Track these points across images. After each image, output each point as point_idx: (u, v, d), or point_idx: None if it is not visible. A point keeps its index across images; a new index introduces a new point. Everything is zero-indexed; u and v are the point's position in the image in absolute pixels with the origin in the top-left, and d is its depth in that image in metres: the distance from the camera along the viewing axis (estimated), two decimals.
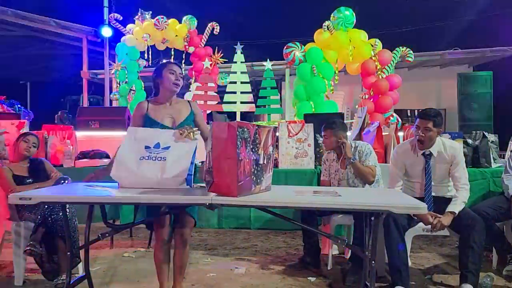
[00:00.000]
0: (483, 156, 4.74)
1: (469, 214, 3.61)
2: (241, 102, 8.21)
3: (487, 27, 12.78)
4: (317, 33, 8.00)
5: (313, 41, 8.08)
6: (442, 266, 4.29)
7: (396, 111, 8.76)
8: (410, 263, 4.18)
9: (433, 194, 3.78)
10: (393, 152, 4.09)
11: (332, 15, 7.95)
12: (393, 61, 8.11)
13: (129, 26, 10.11)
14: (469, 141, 4.85)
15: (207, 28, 10.02)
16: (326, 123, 4.26)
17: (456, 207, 3.60)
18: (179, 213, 3.19)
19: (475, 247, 3.45)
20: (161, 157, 2.93)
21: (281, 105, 8.80)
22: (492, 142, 4.94)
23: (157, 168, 2.90)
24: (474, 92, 8.43)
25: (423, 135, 3.71)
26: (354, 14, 8.01)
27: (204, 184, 2.77)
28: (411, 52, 8.31)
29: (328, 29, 7.85)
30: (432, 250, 4.76)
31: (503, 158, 5.19)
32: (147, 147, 2.95)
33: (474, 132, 5.02)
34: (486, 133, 4.92)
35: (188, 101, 3.41)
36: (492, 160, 4.77)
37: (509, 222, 4.01)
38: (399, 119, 8.07)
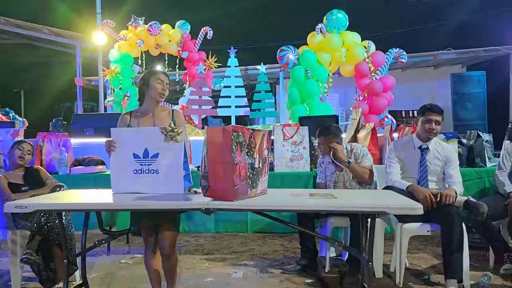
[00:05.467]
0: (478, 155, 4.76)
1: (451, 210, 3.62)
2: (236, 106, 8.22)
3: (480, 27, 12.86)
4: (310, 36, 8.02)
5: (306, 44, 8.10)
6: (439, 266, 4.28)
7: (390, 112, 8.79)
8: (407, 264, 4.21)
9: (433, 187, 3.85)
10: (389, 146, 4.15)
11: (324, 17, 7.98)
12: (386, 62, 8.14)
13: (123, 32, 10.11)
14: (464, 141, 4.87)
15: (200, 32, 10.04)
16: (319, 130, 4.27)
17: (457, 187, 3.73)
18: (159, 224, 3.10)
19: (455, 241, 3.47)
20: (153, 170, 2.94)
21: (276, 108, 8.82)
22: (486, 141, 4.96)
23: (152, 182, 2.93)
24: (467, 92, 8.48)
25: (435, 127, 3.85)
26: (346, 16, 8.04)
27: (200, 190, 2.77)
28: (404, 53, 8.35)
29: (321, 31, 7.88)
30: (429, 251, 4.76)
31: (498, 157, 5.21)
32: (136, 156, 2.95)
33: (468, 132, 5.04)
34: (480, 133, 4.95)
35: (172, 110, 3.40)
36: (487, 160, 4.80)
37: (505, 221, 4.02)
38: (394, 120, 8.10)
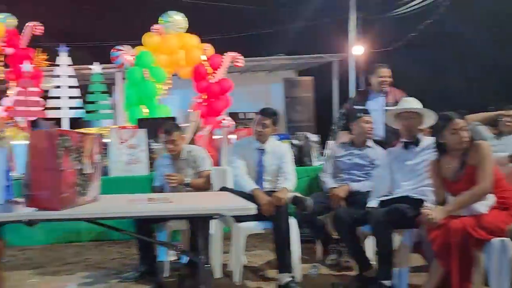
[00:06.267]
0: (306, 155, 5.13)
1: (280, 208, 3.81)
2: (70, 108, 7.74)
3: (310, 35, 13.84)
4: (146, 37, 7.85)
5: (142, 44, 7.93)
6: (274, 261, 4.50)
7: (229, 114, 9.02)
8: (246, 262, 4.35)
9: (270, 186, 4.06)
10: (230, 147, 4.31)
11: (160, 18, 7.90)
12: (224, 65, 8.31)
13: None
14: (294, 141, 5.21)
15: (28, 27, 9.20)
16: (165, 128, 4.24)
17: (289, 182, 3.97)
18: None
19: (284, 237, 3.70)
20: None
21: (113, 109, 8.49)
22: (314, 142, 5.35)
23: None
24: (298, 95, 9.10)
25: (263, 130, 4.06)
26: (185, 18, 8.05)
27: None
28: (242, 57, 8.62)
29: (158, 32, 7.77)
30: (265, 247, 4.97)
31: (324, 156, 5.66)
32: None
33: (298, 133, 5.41)
34: (308, 134, 5.34)
35: None
36: (314, 159, 5.18)
37: (330, 215, 4.36)
38: (232, 122, 8.31)
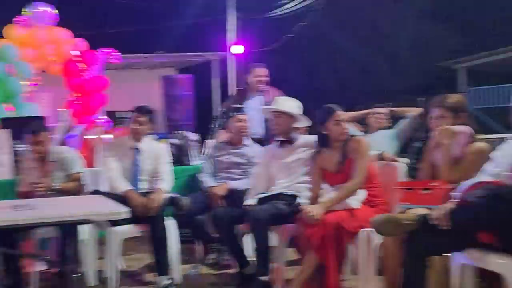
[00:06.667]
0: (185, 154, 5.07)
1: (157, 209, 3.77)
2: None
3: (191, 33, 13.76)
4: (8, 29, 7.23)
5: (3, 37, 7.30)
6: (153, 264, 4.38)
7: (107, 113, 8.65)
8: (124, 266, 4.18)
9: (145, 187, 3.99)
10: (104, 147, 4.23)
11: (23, 9, 7.33)
12: (99, 62, 7.94)
13: None
14: (173, 140, 5.13)
15: None
16: (31, 128, 3.96)
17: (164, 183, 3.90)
18: None
19: (160, 239, 3.68)
20: None
21: None
22: (193, 141, 5.30)
23: None
24: (177, 94, 8.98)
25: (137, 128, 4.02)
26: (55, 11, 7.55)
27: None
28: (118, 53, 8.29)
29: (22, 24, 7.19)
30: (143, 250, 4.82)
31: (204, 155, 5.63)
32: None
33: (177, 132, 5.34)
34: (187, 133, 5.28)
35: None
36: (193, 158, 5.13)
37: (209, 214, 4.34)
38: (109, 121, 7.98)
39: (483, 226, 2.51)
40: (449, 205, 2.58)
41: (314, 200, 3.52)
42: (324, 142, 3.53)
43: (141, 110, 4.05)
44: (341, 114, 3.49)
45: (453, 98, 3.27)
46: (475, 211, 2.47)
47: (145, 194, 3.81)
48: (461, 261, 2.74)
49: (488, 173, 2.75)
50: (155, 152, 4.08)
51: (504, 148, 2.85)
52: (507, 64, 13.12)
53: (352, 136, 3.55)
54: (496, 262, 2.53)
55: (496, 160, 2.81)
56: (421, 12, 15.40)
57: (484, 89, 14.11)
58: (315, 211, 3.25)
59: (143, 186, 3.97)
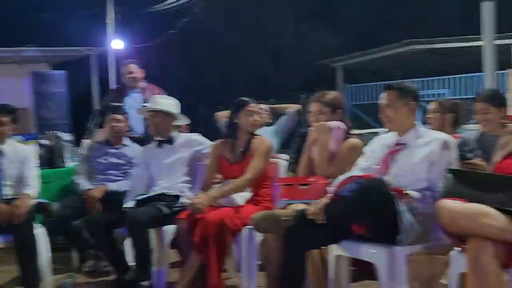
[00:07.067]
0: (58, 156, 4.73)
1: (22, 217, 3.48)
2: None
3: (66, 27, 13.01)
4: None
5: None
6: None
7: None
8: None
9: (10, 193, 3.62)
10: None
11: None
12: None
13: None
14: (44, 141, 4.76)
15: None
16: None
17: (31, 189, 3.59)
18: None
19: (28, 250, 3.41)
20: None
21: None
22: (66, 141, 4.96)
23: None
24: (49, 91, 8.42)
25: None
26: None
27: None
28: None
29: None
30: (13, 262, 4.43)
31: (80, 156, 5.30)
32: None
33: (49, 132, 4.97)
34: (60, 133, 4.93)
35: None
36: (67, 160, 4.80)
37: (85, 219, 4.08)
38: None
39: (355, 219, 2.61)
40: (324, 200, 2.66)
41: (204, 186, 3.51)
42: (233, 131, 3.53)
43: (3, 109, 3.71)
44: (255, 106, 3.54)
45: (331, 94, 3.41)
46: (346, 204, 2.56)
47: (9, 201, 3.47)
48: (337, 252, 2.83)
49: (360, 167, 2.90)
50: (20, 155, 3.73)
51: (374, 143, 3.02)
52: (379, 63, 14.15)
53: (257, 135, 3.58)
54: (368, 252, 2.66)
55: (367, 155, 2.97)
56: (302, 11, 16.04)
57: (359, 87, 15.06)
58: (202, 200, 3.22)
59: (7, 192, 3.62)
